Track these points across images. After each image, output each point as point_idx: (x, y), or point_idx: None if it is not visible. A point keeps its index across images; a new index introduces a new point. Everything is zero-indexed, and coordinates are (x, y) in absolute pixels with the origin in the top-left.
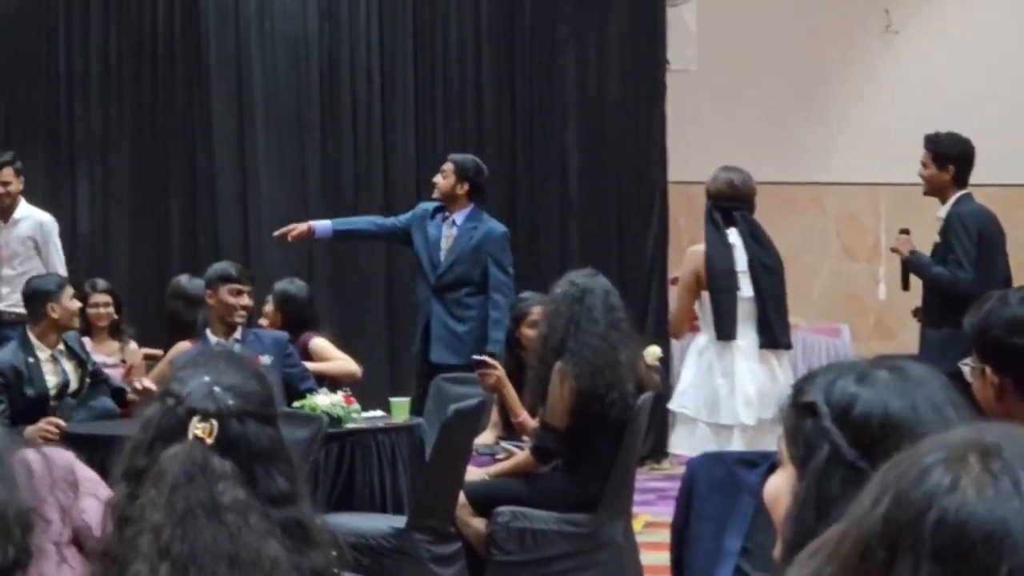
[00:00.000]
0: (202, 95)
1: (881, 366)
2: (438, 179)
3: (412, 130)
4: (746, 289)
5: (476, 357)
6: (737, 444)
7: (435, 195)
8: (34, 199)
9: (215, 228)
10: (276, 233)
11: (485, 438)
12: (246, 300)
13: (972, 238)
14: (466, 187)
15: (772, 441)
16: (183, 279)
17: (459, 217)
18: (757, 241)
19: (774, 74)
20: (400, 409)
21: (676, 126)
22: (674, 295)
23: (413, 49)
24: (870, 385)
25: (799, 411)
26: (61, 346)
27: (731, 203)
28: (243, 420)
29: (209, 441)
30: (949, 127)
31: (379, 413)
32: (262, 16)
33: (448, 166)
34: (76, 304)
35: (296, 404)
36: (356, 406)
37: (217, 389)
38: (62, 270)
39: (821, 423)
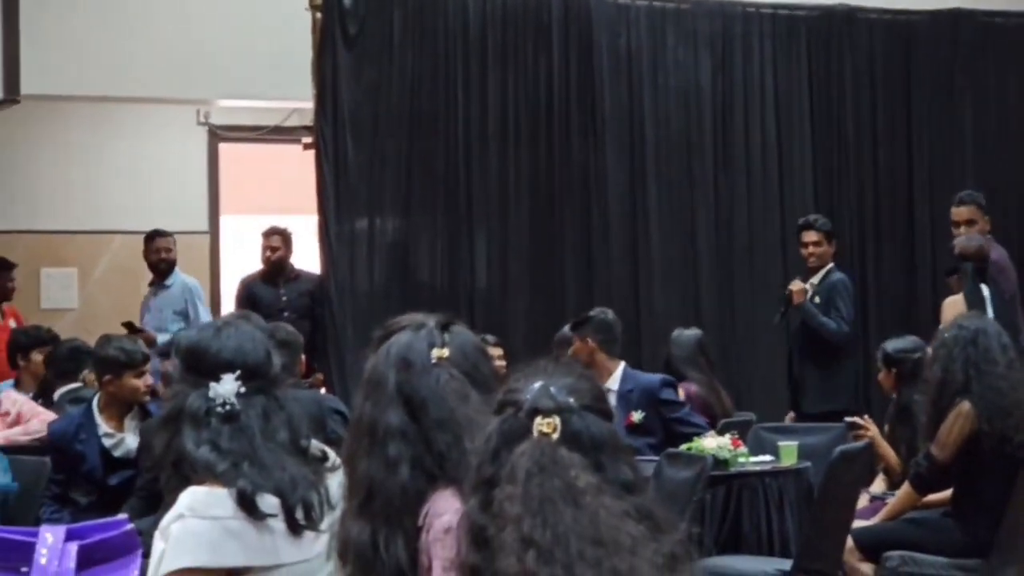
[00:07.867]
0: (596, 149)
1: None
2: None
3: (810, 184)
4: None
5: (848, 419)
6: None
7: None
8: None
9: (608, 280)
10: None
11: (877, 486)
12: None
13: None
14: None
15: None
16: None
17: None
18: None
19: None
20: (788, 453)
21: None
22: None
23: (809, 101)
24: None
25: None
26: None
27: None
28: (583, 414)
29: (555, 436)
30: None
31: (767, 457)
32: (655, 69)
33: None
34: None
35: (683, 446)
36: (743, 449)
37: (553, 389)
38: None
39: None
